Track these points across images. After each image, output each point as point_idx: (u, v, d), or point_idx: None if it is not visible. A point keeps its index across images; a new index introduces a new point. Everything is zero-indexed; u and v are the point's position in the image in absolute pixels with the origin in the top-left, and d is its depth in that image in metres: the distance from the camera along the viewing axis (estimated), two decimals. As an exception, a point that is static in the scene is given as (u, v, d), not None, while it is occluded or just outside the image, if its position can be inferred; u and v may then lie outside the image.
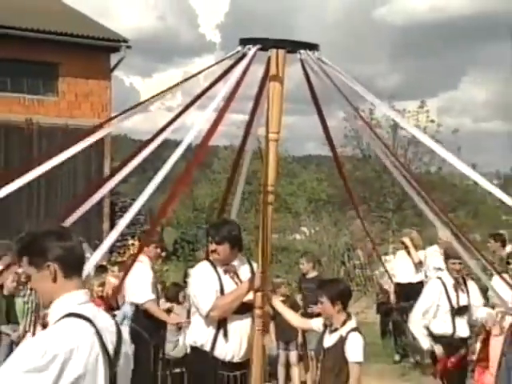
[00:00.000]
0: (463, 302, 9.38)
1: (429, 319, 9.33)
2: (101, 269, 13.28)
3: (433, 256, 12.99)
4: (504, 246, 12.69)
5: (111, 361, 3.97)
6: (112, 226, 25.01)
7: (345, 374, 6.88)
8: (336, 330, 7.03)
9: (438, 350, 9.24)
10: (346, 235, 21.94)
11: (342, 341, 6.95)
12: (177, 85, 7.25)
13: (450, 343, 9.26)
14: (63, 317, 3.91)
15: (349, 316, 7.10)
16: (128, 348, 4.26)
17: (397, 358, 13.78)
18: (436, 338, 9.38)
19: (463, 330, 9.29)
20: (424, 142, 6.95)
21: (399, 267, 14.49)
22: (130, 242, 17.91)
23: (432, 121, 27.42)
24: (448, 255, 9.49)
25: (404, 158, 25.60)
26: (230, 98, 6.85)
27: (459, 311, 9.25)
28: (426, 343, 9.32)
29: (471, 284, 9.47)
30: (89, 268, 5.22)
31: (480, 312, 9.65)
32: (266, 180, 6.73)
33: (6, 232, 18.99)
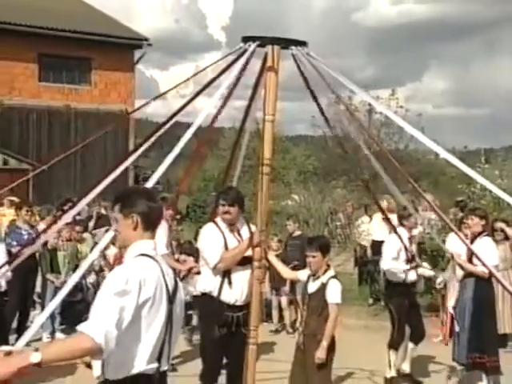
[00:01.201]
0: (414, 253, 9.43)
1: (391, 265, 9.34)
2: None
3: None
4: (462, 210, 12.69)
5: (170, 297, 4.10)
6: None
7: (326, 313, 6.91)
8: (318, 277, 7.05)
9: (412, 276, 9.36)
10: (328, 201, 21.96)
11: (323, 286, 6.98)
12: (189, 78, 7.54)
13: (404, 285, 9.29)
14: (137, 256, 4.11)
15: (328, 266, 7.13)
16: (182, 295, 4.33)
17: (370, 301, 13.81)
18: (392, 282, 9.44)
19: (412, 276, 9.31)
20: (397, 122, 6.98)
21: (375, 227, 14.56)
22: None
23: (401, 106, 27.34)
24: (402, 216, 9.51)
25: (377, 137, 25.58)
26: (234, 85, 6.90)
27: (410, 261, 9.26)
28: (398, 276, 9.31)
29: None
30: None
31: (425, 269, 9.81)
32: (264, 155, 6.80)
33: (48, 198, 19.13)
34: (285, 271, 7.73)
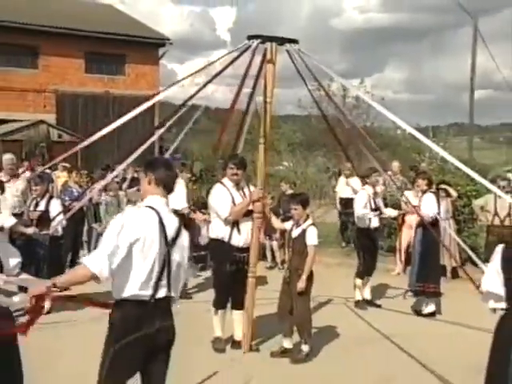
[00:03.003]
0: (378, 204, 9.40)
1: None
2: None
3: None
4: (417, 174, 12.59)
5: (167, 241, 4.06)
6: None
7: (306, 253, 6.88)
8: (300, 225, 6.99)
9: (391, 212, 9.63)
10: (312, 166, 21.90)
11: (303, 232, 6.93)
12: (201, 69, 7.51)
13: (368, 230, 9.27)
14: (142, 207, 4.14)
15: (308, 216, 7.07)
16: (185, 242, 4.25)
17: (343, 244, 13.79)
18: (360, 228, 9.44)
19: (375, 223, 9.30)
20: (369, 103, 6.92)
21: (341, 187, 14.46)
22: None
23: (368, 92, 27.01)
24: (366, 175, 9.45)
25: (350, 115, 25.39)
26: (245, 75, 6.88)
27: (374, 210, 9.25)
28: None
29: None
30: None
31: (388, 211, 9.79)
32: (263, 129, 6.92)
33: (93, 164, 19.25)
34: (275, 222, 7.70)
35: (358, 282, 9.31)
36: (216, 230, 7.13)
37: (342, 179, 14.56)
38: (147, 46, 30.01)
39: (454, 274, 11.24)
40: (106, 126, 6.75)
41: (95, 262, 3.85)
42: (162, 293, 4.05)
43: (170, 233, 4.11)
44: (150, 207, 4.09)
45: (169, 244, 4.08)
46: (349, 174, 13.69)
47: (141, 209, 4.12)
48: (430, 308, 8.96)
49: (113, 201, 11.97)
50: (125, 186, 13.67)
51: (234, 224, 6.99)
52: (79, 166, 16.71)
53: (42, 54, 27.93)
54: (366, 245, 9.38)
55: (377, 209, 9.34)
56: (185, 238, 4.25)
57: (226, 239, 7.01)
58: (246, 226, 7.03)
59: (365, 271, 9.32)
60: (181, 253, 4.21)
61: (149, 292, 3.99)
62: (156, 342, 4.07)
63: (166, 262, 4.06)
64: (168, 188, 4.24)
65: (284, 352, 6.97)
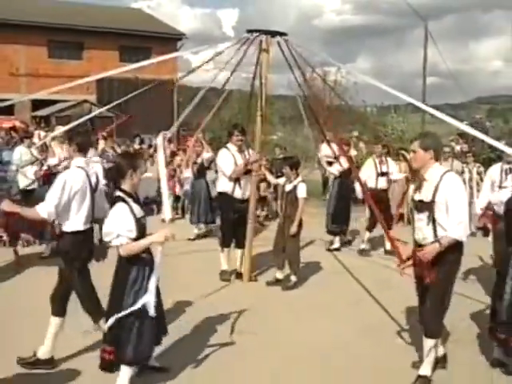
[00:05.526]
0: (384, 169, 8.90)
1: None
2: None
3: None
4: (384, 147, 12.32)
5: (92, 189, 4.49)
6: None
7: (297, 204, 6.74)
8: (291, 182, 6.84)
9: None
10: (299, 136, 21.65)
11: (294, 187, 6.78)
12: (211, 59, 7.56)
13: (375, 191, 8.52)
14: (74, 167, 4.47)
15: (298, 175, 6.88)
16: (102, 187, 4.71)
17: (327, 197, 13.52)
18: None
19: (383, 184, 8.84)
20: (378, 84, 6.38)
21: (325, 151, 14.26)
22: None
23: (343, 77, 26.49)
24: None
25: (329, 96, 24.95)
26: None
27: (382, 175, 8.84)
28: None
29: (390, 161, 9.04)
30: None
31: (394, 175, 9.11)
32: (260, 105, 6.80)
33: (126, 134, 19.04)
34: (271, 179, 7.56)
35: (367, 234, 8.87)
36: (222, 185, 7.03)
37: (324, 145, 14.45)
38: (168, 40, 30.06)
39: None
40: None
41: (45, 209, 4.19)
42: (91, 224, 4.50)
43: (94, 183, 4.51)
44: (79, 167, 4.43)
45: (94, 190, 4.49)
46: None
47: (73, 168, 4.43)
48: (336, 245, 8.95)
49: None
50: (151, 150, 13.50)
51: (237, 180, 6.89)
52: (114, 136, 16.48)
53: (86, 48, 28.86)
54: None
55: (383, 173, 8.90)
56: (102, 183, 4.69)
57: (230, 192, 6.92)
58: (246, 183, 6.92)
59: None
60: (100, 194, 4.61)
61: (87, 225, 4.43)
62: (90, 259, 4.51)
63: (93, 203, 4.47)
64: (85, 151, 4.57)
65: (277, 281, 6.92)
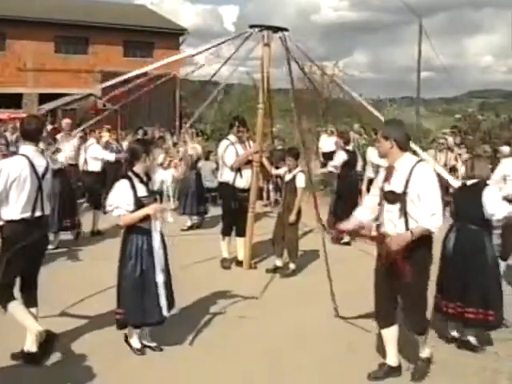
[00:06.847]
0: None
1: None
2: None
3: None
4: (376, 133, 12.25)
5: (38, 176, 4.15)
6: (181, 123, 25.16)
7: (296, 193, 6.72)
8: (291, 171, 6.80)
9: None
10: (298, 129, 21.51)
11: (294, 177, 6.76)
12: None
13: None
14: (17, 155, 4.22)
15: (297, 165, 6.85)
16: (50, 177, 4.33)
17: (322, 187, 13.54)
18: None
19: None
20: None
21: (323, 144, 14.22)
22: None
23: (341, 71, 26.34)
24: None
25: (327, 89, 24.88)
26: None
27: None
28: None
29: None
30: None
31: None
32: (261, 97, 6.73)
33: (129, 126, 19.05)
34: (271, 169, 7.54)
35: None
36: (223, 175, 6.98)
37: (323, 137, 14.58)
38: (170, 35, 29.88)
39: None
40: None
41: None
42: (38, 213, 4.16)
43: (40, 171, 4.17)
44: (22, 155, 4.14)
45: (40, 178, 4.17)
46: (330, 133, 13.69)
47: (15, 157, 4.19)
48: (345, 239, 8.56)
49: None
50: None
51: (238, 170, 6.84)
52: (118, 129, 16.46)
53: (91, 43, 28.66)
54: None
55: None
56: (50, 171, 4.33)
57: (231, 182, 6.87)
58: (247, 173, 6.87)
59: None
60: (49, 182, 4.32)
61: (29, 213, 4.10)
62: (36, 248, 4.20)
63: (39, 191, 4.17)
64: (33, 140, 4.21)
65: (276, 269, 6.90)
